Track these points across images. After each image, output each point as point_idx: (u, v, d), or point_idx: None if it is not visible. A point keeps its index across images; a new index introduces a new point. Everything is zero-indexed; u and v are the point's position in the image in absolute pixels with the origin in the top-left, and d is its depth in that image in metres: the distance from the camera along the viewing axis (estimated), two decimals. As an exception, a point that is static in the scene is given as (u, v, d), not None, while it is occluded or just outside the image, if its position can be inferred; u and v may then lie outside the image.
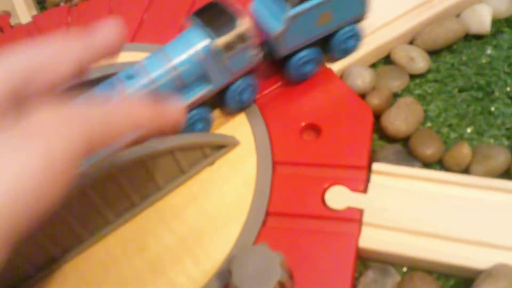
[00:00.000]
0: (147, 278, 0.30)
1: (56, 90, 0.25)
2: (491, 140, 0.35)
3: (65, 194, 0.21)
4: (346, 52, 0.38)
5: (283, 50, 0.35)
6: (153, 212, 0.33)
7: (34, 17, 0.48)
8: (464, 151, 0.33)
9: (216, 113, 0.36)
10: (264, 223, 0.31)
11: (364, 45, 0.39)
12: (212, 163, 0.34)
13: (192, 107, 0.33)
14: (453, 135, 0.35)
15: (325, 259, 0.29)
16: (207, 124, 0.35)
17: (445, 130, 0.35)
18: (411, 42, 0.40)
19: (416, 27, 0.40)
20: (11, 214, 0.19)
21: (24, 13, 0.48)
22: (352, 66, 0.38)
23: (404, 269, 0.30)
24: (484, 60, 0.39)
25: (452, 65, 0.39)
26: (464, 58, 0.39)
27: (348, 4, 0.35)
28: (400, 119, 0.35)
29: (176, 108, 0.27)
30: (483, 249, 0.29)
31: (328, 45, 0.37)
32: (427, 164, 0.34)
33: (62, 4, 0.50)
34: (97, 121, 0.22)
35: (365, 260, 0.31)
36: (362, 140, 0.34)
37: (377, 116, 0.36)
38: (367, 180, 0.32)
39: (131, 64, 0.32)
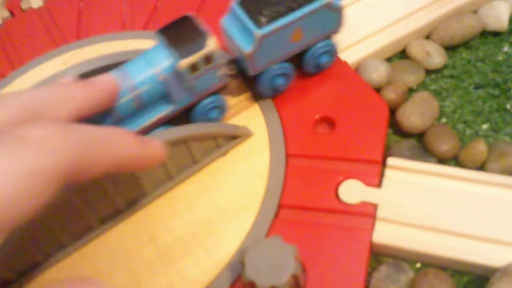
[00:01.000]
0: (158, 268, 0.30)
1: None
2: (507, 138, 0.34)
3: (47, 203, 0.20)
4: (319, 67, 0.36)
5: (255, 69, 0.33)
6: (165, 202, 0.32)
7: (45, 1, 0.47)
8: (480, 148, 0.32)
9: (230, 102, 0.36)
10: (276, 215, 0.31)
11: (380, 39, 0.38)
12: (224, 153, 0.34)
13: (152, 128, 0.32)
14: (468, 131, 0.35)
15: (338, 253, 0.29)
16: (221, 112, 0.34)
17: (460, 126, 0.35)
18: (427, 37, 0.40)
19: (433, 22, 0.39)
20: None
21: (35, -3, 0.48)
22: (367, 60, 0.37)
23: (418, 265, 0.30)
24: (501, 57, 0.38)
25: (469, 61, 0.38)
26: (480, 54, 0.39)
27: (320, 20, 0.33)
28: (416, 114, 0.34)
29: (160, 147, 0.27)
30: (498, 246, 0.28)
31: (301, 61, 0.35)
32: (442, 160, 0.33)
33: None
34: (90, 142, 0.22)
35: (378, 256, 0.30)
36: (377, 134, 0.33)
37: (392, 111, 0.35)
38: (382, 175, 0.32)
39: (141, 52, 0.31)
